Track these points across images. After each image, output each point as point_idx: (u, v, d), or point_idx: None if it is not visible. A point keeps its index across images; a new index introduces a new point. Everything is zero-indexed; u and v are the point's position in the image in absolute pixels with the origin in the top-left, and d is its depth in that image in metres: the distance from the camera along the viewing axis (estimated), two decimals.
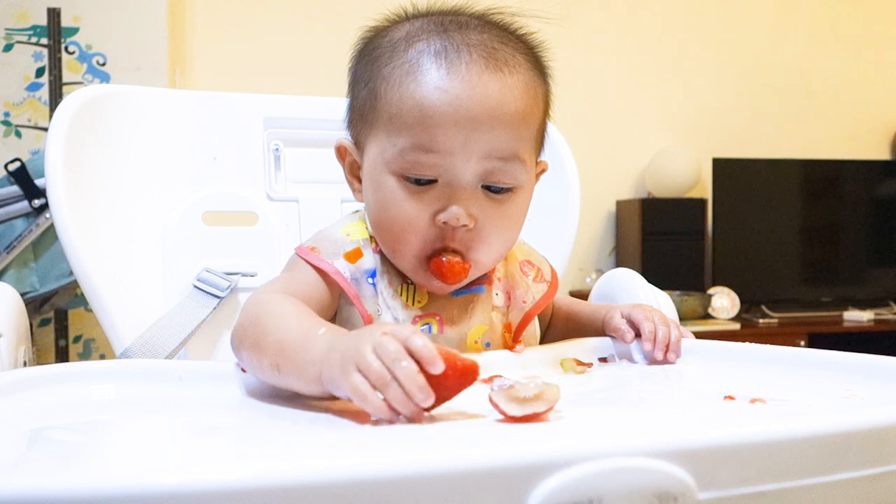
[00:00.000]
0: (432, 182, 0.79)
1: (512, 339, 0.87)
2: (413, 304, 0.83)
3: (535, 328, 0.92)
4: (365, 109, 0.83)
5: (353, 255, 0.83)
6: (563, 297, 1.02)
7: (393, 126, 0.79)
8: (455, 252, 0.80)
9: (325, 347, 0.62)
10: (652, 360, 0.83)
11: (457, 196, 0.78)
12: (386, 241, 0.83)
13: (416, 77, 0.78)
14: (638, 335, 0.85)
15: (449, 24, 0.80)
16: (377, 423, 0.55)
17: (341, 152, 0.89)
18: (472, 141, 0.77)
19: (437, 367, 0.55)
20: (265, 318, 0.70)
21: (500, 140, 0.78)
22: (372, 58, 0.82)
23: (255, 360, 0.68)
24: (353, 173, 0.88)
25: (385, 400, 0.55)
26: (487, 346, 0.84)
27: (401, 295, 0.83)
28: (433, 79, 0.77)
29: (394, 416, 0.55)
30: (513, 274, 0.90)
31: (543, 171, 0.91)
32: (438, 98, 0.76)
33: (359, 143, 0.86)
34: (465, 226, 0.79)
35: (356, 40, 0.86)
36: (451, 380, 0.55)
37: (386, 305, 0.82)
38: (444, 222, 0.78)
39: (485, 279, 0.86)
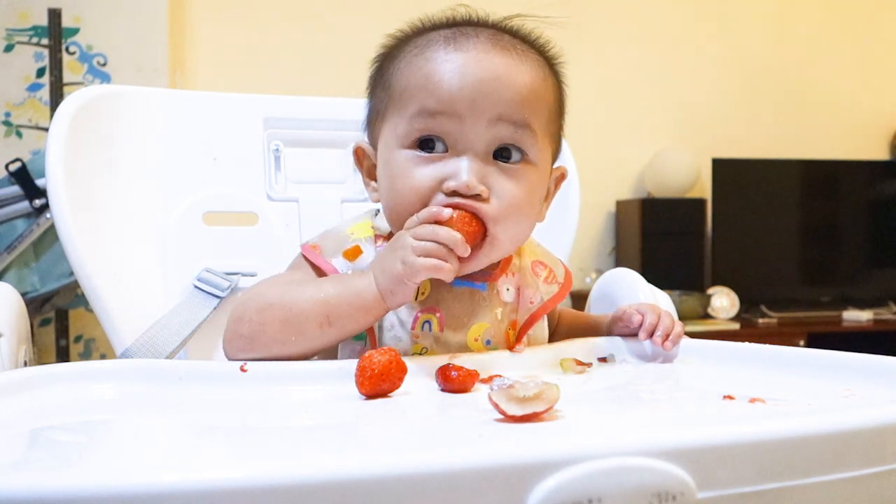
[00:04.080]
0: (443, 152, 0.78)
1: (516, 338, 0.86)
2: (416, 296, 0.82)
3: (543, 329, 0.90)
4: (380, 105, 0.84)
5: (352, 253, 0.83)
6: (566, 309, 1.03)
7: (402, 101, 0.79)
8: (469, 214, 0.76)
9: (370, 273, 0.76)
10: (650, 356, 0.84)
11: (467, 164, 0.77)
12: (394, 218, 0.82)
13: (424, 55, 0.79)
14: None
15: (462, 23, 0.82)
16: (378, 422, 0.55)
17: (359, 155, 0.89)
18: (479, 103, 0.76)
19: (463, 249, 0.74)
20: (289, 296, 0.76)
21: (509, 105, 0.77)
22: (388, 58, 0.84)
23: (285, 334, 0.74)
24: (371, 175, 0.88)
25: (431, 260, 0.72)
26: (488, 343, 0.83)
27: None
28: (441, 53, 0.78)
29: (443, 266, 0.72)
30: (524, 272, 0.89)
31: (563, 176, 0.91)
32: (445, 66, 0.78)
33: (375, 144, 0.86)
34: (477, 195, 0.76)
35: (377, 50, 0.86)
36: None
37: None
38: (454, 190, 0.76)
39: (487, 276, 0.85)
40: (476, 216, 0.76)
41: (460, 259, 0.75)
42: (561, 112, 0.87)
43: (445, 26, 0.82)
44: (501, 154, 0.79)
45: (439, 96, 0.77)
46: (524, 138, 0.79)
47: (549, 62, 0.84)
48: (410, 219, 0.77)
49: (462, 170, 0.76)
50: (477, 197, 0.76)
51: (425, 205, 0.77)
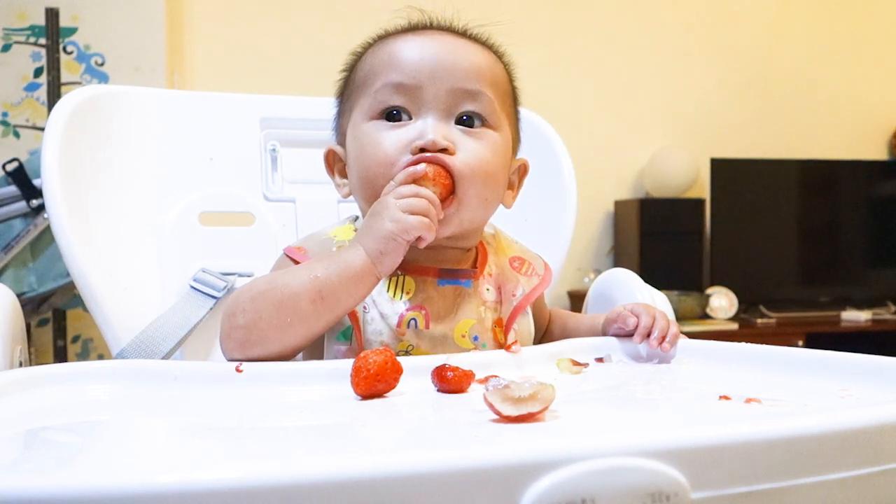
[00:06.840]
0: (407, 119, 0.83)
1: (503, 333, 0.87)
2: (400, 295, 0.83)
3: (528, 323, 0.91)
4: (347, 101, 0.89)
5: None
6: (560, 311, 1.03)
7: (367, 82, 0.85)
8: (438, 166, 0.80)
9: (356, 244, 0.77)
10: (648, 355, 0.84)
11: (431, 124, 0.82)
12: (367, 188, 0.84)
13: (385, 44, 0.87)
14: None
15: (420, 25, 0.88)
16: (374, 423, 0.55)
17: (330, 159, 0.92)
18: (438, 73, 0.83)
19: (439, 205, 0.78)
20: (280, 281, 0.76)
21: (465, 74, 0.84)
22: (354, 67, 0.90)
23: (280, 317, 0.74)
24: (342, 174, 0.91)
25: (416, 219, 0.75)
26: (475, 340, 0.84)
27: (388, 289, 0.83)
28: (400, 39, 0.86)
29: (431, 227, 0.76)
30: (503, 269, 0.90)
31: (525, 168, 0.94)
32: (405, 45, 0.85)
33: (343, 142, 0.89)
34: (444, 150, 0.80)
35: (342, 68, 0.92)
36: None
37: (372, 301, 0.82)
38: (422, 147, 0.80)
39: (471, 274, 0.87)
40: (446, 169, 0.80)
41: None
42: (515, 99, 0.92)
43: (404, 29, 0.88)
44: (463, 120, 0.84)
45: (401, 69, 0.83)
46: (483, 105, 0.84)
47: (499, 56, 0.90)
48: (388, 185, 0.80)
49: (427, 129, 0.81)
50: (444, 151, 0.81)
51: (394, 170, 0.81)
